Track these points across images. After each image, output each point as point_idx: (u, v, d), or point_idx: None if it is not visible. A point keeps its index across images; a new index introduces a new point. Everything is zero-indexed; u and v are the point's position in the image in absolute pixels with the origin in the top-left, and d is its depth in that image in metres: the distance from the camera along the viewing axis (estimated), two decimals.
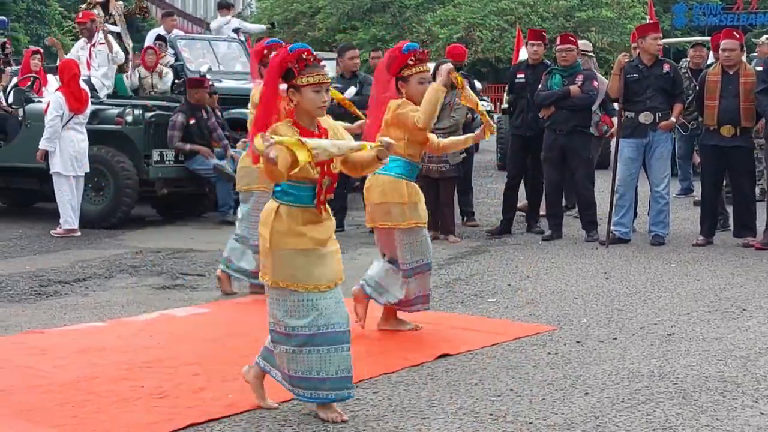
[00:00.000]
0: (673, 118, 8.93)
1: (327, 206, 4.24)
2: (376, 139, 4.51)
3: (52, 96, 9.99)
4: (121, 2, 12.45)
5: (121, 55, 11.88)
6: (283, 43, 6.87)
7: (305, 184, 4.12)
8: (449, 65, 6.31)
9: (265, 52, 6.73)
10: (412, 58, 5.46)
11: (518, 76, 9.75)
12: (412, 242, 5.66)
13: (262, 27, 16.50)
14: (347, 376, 4.21)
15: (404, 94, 5.55)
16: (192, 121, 10.54)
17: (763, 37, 10.19)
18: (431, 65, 10.95)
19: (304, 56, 4.07)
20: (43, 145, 9.68)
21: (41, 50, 12.31)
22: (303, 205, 4.14)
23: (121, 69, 11.98)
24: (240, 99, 11.85)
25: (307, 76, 4.06)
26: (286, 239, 4.12)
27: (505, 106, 9.63)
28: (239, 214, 7.03)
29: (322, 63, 4.17)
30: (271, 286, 4.18)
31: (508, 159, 10.25)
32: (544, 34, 10.27)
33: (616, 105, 9.34)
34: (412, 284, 5.71)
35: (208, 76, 11.28)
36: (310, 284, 4.13)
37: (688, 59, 11.60)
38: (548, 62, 9.99)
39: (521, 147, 9.71)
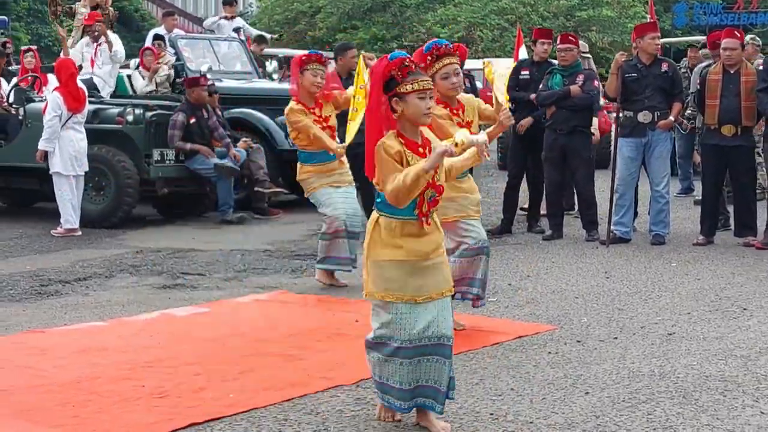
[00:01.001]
0: (671, 117, 8.92)
1: (433, 218, 4.09)
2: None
3: (49, 96, 9.99)
4: (111, 8, 12.47)
5: (122, 53, 11.88)
6: (323, 54, 7.13)
7: None
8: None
9: (303, 58, 6.97)
10: (430, 56, 5.38)
11: (522, 73, 9.74)
12: None
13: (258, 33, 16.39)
14: (438, 388, 4.07)
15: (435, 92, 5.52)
16: (192, 121, 10.55)
17: (748, 37, 10.15)
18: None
19: (406, 63, 3.95)
20: (42, 145, 9.69)
21: (33, 48, 12.31)
22: (403, 218, 4.00)
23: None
24: (240, 99, 11.87)
25: (412, 83, 3.93)
26: (382, 250, 4.01)
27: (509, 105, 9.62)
28: None
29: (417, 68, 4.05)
30: (367, 297, 4.10)
31: (509, 157, 10.23)
32: (552, 32, 10.26)
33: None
34: None
35: (208, 76, 11.28)
36: (406, 295, 4.00)
37: (687, 59, 11.60)
38: (552, 61, 10.00)
39: (522, 145, 9.71)
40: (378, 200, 4.07)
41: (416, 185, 3.87)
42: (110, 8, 12.55)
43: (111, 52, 11.64)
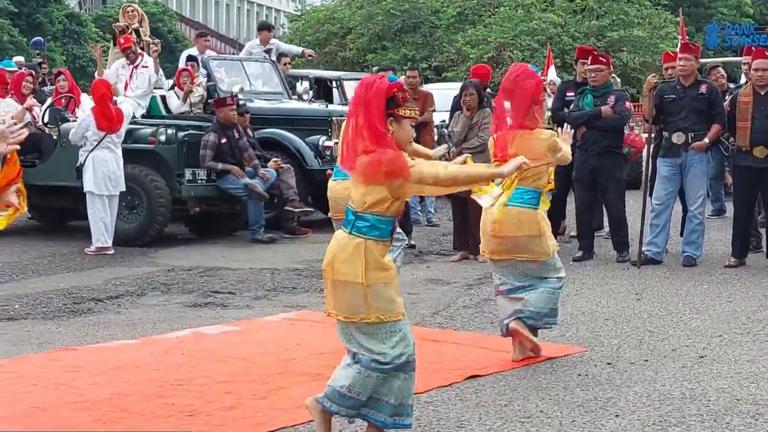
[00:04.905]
0: (706, 139, 8.86)
1: None
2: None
3: (85, 114, 10.21)
4: (147, 31, 12.56)
5: (164, 79, 12.00)
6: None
7: (389, 218, 4.10)
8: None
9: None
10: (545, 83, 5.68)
11: (568, 93, 9.74)
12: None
13: (298, 50, 16.51)
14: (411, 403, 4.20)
15: (539, 118, 5.70)
16: (224, 141, 10.64)
17: None
18: (459, 85, 11.04)
19: (405, 88, 4.20)
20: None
21: (63, 70, 12.45)
22: (383, 240, 4.11)
23: None
24: (271, 119, 11.96)
25: (409, 109, 4.14)
26: (378, 273, 4.07)
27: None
28: None
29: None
30: (374, 322, 4.07)
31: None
32: (594, 51, 10.22)
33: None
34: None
35: (240, 96, 11.37)
36: (399, 313, 4.12)
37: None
38: None
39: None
40: (362, 224, 4.06)
41: (473, 184, 4.19)
42: (153, 39, 12.57)
43: (157, 76, 11.71)
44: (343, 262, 4.07)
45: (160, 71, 11.87)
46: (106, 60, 12.46)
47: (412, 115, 4.14)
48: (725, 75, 11.41)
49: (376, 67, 11.86)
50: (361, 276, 4.04)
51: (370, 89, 4.07)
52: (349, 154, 4.10)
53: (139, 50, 11.75)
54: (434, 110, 11.77)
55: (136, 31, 12.18)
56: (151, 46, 11.91)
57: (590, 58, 9.56)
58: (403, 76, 11.71)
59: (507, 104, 5.65)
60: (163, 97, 12.50)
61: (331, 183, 7.20)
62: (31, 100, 11.45)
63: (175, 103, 12.25)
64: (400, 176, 4.00)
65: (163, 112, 12.36)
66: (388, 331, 4.09)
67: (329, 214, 7.11)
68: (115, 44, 12.22)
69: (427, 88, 13.80)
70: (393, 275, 4.13)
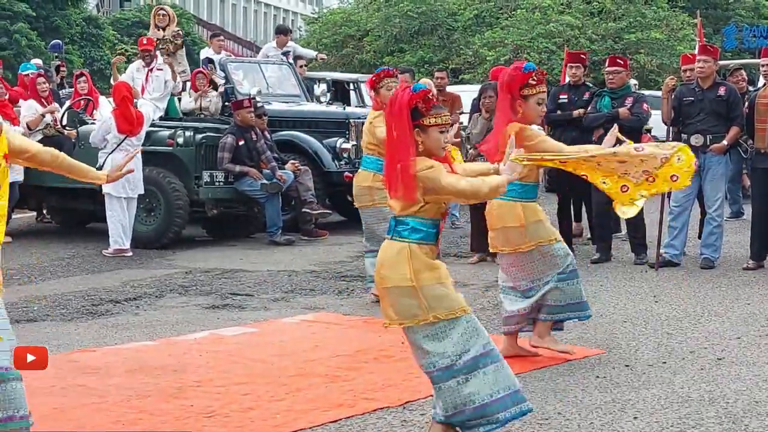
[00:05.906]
0: (725, 141, 8.83)
1: None
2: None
3: (105, 117, 10.28)
4: (177, 28, 12.59)
5: (179, 84, 12.04)
6: (391, 69, 7.49)
7: (433, 221, 4.08)
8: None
9: (373, 78, 7.25)
10: (535, 77, 5.41)
11: (561, 97, 9.76)
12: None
13: (313, 53, 16.58)
14: (519, 389, 4.13)
15: (521, 113, 5.45)
16: (241, 143, 10.68)
17: None
18: (476, 87, 11.06)
19: (429, 96, 4.04)
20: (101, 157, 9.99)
21: (85, 72, 12.50)
22: (429, 243, 4.08)
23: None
24: (289, 121, 11.99)
25: (435, 117, 4.04)
26: (428, 274, 4.04)
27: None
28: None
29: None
30: (432, 322, 4.03)
31: (554, 181, 10.19)
32: (582, 56, 10.26)
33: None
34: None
35: (257, 99, 11.41)
36: (465, 307, 4.09)
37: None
38: (589, 84, 9.97)
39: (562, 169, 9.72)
40: (403, 228, 4.05)
41: (491, 196, 4.19)
42: (176, 30, 12.58)
43: (175, 82, 11.72)
44: (389, 268, 4.06)
45: (179, 78, 11.90)
46: (125, 68, 12.52)
47: (438, 123, 4.02)
48: (746, 78, 11.38)
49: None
50: (410, 279, 4.01)
51: (395, 103, 4.04)
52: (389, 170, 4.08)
53: (156, 53, 11.75)
54: (462, 112, 11.81)
55: (162, 29, 12.21)
56: (172, 36, 11.95)
57: (608, 59, 9.57)
58: (424, 78, 11.75)
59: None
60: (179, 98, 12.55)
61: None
62: (52, 105, 11.48)
63: (185, 100, 12.28)
64: (407, 199, 4.00)
65: (180, 114, 12.42)
66: (447, 328, 4.03)
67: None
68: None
69: None
70: (444, 273, 4.07)
